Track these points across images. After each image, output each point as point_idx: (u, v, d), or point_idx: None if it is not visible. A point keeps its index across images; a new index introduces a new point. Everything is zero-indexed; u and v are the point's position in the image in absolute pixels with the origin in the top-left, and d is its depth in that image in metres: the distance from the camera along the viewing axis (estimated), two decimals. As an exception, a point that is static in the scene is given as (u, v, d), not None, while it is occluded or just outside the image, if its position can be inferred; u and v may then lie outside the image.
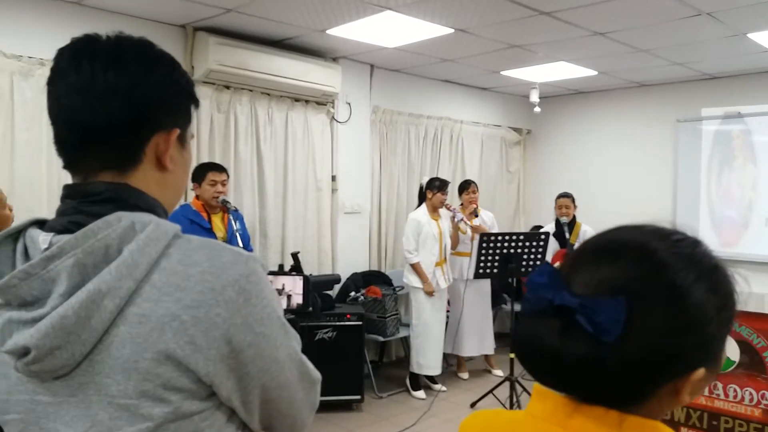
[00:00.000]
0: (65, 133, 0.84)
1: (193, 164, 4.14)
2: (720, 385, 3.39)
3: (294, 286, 2.83)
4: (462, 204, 5.40)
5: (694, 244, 0.70)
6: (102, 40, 0.85)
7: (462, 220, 4.98)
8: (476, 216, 5.28)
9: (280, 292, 2.80)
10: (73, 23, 3.77)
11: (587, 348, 0.64)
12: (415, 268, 4.83)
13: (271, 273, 3.03)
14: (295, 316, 2.80)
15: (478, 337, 5.37)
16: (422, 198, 5.04)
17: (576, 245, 5.11)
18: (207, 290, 0.77)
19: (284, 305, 2.83)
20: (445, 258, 5.00)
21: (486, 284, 5.36)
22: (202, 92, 4.37)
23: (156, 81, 0.85)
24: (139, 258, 0.77)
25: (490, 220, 5.49)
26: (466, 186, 5.41)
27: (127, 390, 0.75)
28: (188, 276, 0.77)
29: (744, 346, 3.31)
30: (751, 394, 3.29)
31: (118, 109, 0.82)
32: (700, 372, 0.68)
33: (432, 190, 4.92)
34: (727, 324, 0.70)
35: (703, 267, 0.68)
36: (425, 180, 5.07)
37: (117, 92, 0.82)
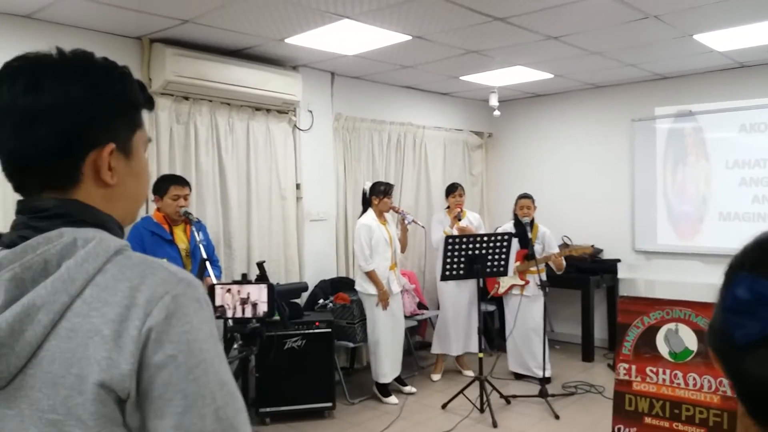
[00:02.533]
0: (2, 160, 0.85)
1: (154, 176, 4.10)
2: (680, 374, 3.50)
3: (259, 294, 2.83)
4: (449, 207, 5.47)
5: None
6: (25, 62, 0.84)
7: (412, 221, 5.01)
8: (460, 219, 5.33)
9: (245, 300, 2.79)
10: (24, 38, 3.70)
11: None
12: (371, 275, 4.78)
13: (235, 282, 3.01)
14: (262, 325, 2.80)
15: (464, 336, 5.42)
16: (366, 203, 5.00)
17: (536, 246, 5.20)
18: (130, 305, 0.77)
19: (249, 314, 2.82)
20: (396, 262, 5.01)
21: (472, 283, 5.37)
22: (161, 104, 4.33)
23: (80, 99, 0.83)
24: (75, 273, 0.77)
25: (476, 221, 5.57)
26: (452, 189, 5.48)
27: (56, 405, 0.75)
28: (116, 291, 0.78)
29: (701, 335, 3.43)
30: (709, 381, 3.40)
31: (44, 135, 0.81)
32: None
33: (378, 195, 4.90)
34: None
35: None
36: (368, 185, 5.04)
37: (37, 118, 0.81)
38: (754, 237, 0.63)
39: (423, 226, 5.33)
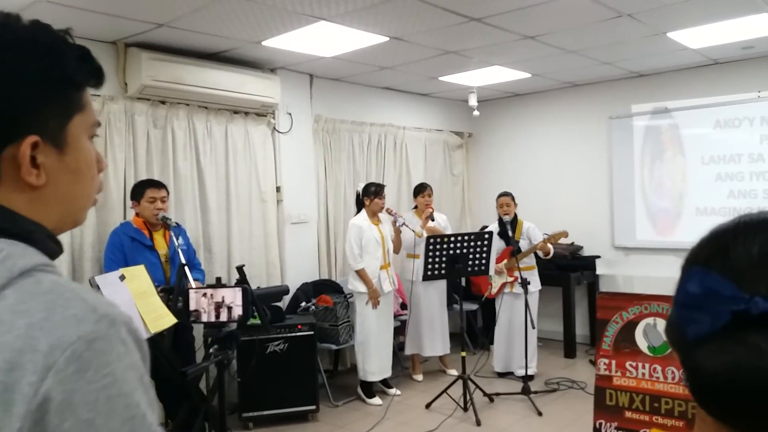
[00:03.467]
0: None
1: (132, 182, 4.07)
2: (659, 368, 3.54)
3: (234, 297, 2.82)
4: (416, 207, 5.46)
5: None
6: None
7: (403, 224, 5.03)
8: (433, 220, 5.35)
9: (219, 305, 2.78)
10: (-4, 43, 3.64)
11: None
12: (360, 274, 4.84)
13: (210, 286, 3.00)
14: (240, 329, 2.80)
15: (439, 338, 5.43)
16: (361, 205, 5.07)
17: (521, 242, 5.24)
18: (26, 348, 0.59)
19: (225, 318, 2.80)
20: (389, 262, 5.04)
21: (442, 284, 5.42)
22: (138, 108, 4.30)
23: None
24: None
25: (443, 221, 5.57)
26: (421, 189, 5.46)
27: None
28: (12, 328, 0.61)
29: (678, 329, 3.47)
30: (687, 374, 3.44)
31: None
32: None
33: (369, 196, 4.95)
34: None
35: None
36: (361, 186, 5.12)
37: None
38: (710, 230, 0.63)
39: (413, 230, 5.23)
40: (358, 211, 5.08)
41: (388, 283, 4.98)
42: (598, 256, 6.31)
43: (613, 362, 3.70)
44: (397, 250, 5.24)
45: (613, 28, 4.36)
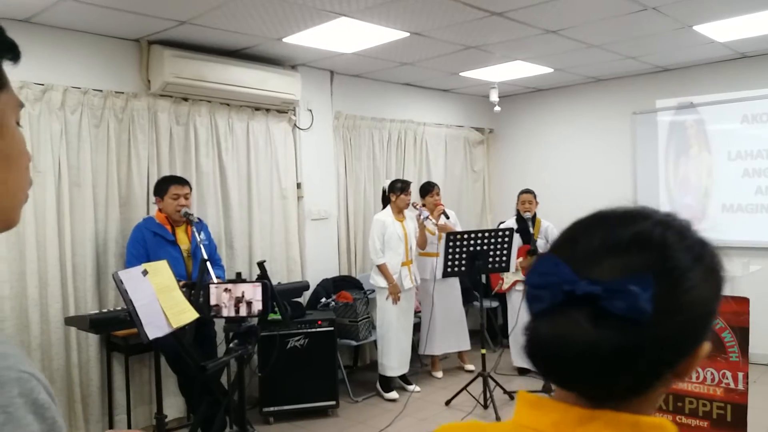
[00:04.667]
0: None
1: (155, 178, 4.11)
2: (683, 368, 3.48)
3: (254, 293, 2.84)
4: (425, 206, 5.43)
5: (682, 220, 0.72)
6: None
7: (427, 217, 5.03)
8: (447, 217, 5.33)
9: (239, 300, 2.80)
10: (23, 42, 3.68)
11: (622, 334, 0.60)
12: (381, 269, 4.87)
13: (230, 281, 3.03)
14: (261, 324, 2.82)
15: (453, 335, 5.41)
16: (386, 201, 5.08)
17: (539, 241, 5.19)
18: None
19: (245, 313, 2.83)
20: (412, 259, 5.04)
21: (455, 282, 5.40)
22: (160, 105, 4.34)
23: None
24: None
25: (453, 218, 5.54)
26: (429, 188, 5.41)
27: None
28: None
29: (703, 328, 3.41)
30: (712, 374, 3.39)
31: None
32: (706, 347, 0.68)
33: (395, 192, 4.97)
34: (721, 294, 0.70)
35: (695, 242, 0.69)
36: (387, 183, 5.13)
37: None
38: (570, 223, 0.73)
39: (435, 224, 5.19)
40: (384, 207, 5.09)
41: (408, 280, 4.98)
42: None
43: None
44: (422, 246, 5.22)
45: (637, 22, 4.28)
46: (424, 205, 5.36)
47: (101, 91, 4.06)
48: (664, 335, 0.63)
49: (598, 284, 0.62)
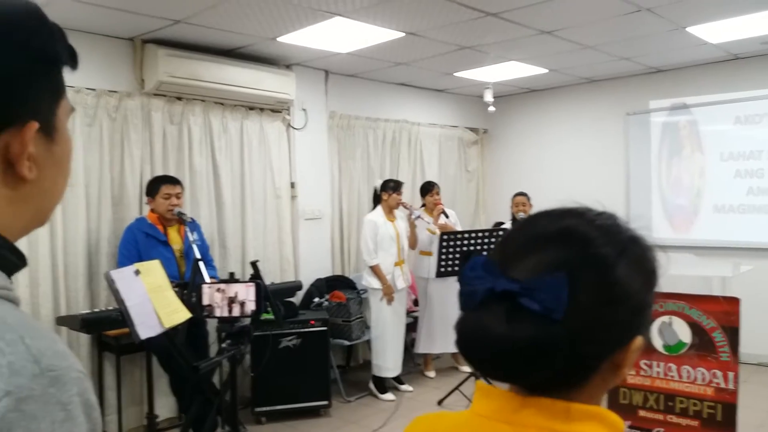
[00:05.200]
0: None
1: (148, 178, 4.10)
2: (674, 367, 3.51)
3: (247, 293, 2.84)
4: (425, 205, 5.44)
5: (611, 217, 0.74)
6: None
7: (419, 217, 5.03)
8: (446, 216, 5.33)
9: (232, 300, 2.79)
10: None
11: (536, 329, 0.63)
12: (375, 270, 4.86)
13: (223, 281, 3.03)
14: (253, 324, 2.82)
15: (451, 334, 5.40)
16: (377, 201, 5.07)
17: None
18: None
19: (237, 313, 2.82)
20: (404, 259, 5.04)
21: (454, 281, 5.40)
22: (154, 105, 4.33)
23: None
24: None
25: (453, 217, 5.55)
26: (429, 188, 5.42)
27: None
28: None
29: (695, 327, 3.44)
30: (703, 374, 3.41)
31: None
32: (639, 340, 0.70)
33: (387, 191, 4.96)
34: (654, 289, 0.73)
35: (623, 238, 0.71)
36: (379, 183, 5.12)
37: None
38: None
39: (428, 222, 5.22)
40: (374, 207, 5.08)
41: (401, 280, 4.98)
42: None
43: (628, 361, 3.67)
44: (413, 246, 5.23)
45: (631, 23, 4.30)
46: (424, 206, 5.36)
47: (94, 90, 4.04)
48: (584, 328, 0.65)
49: (516, 282, 0.65)
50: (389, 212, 4.99)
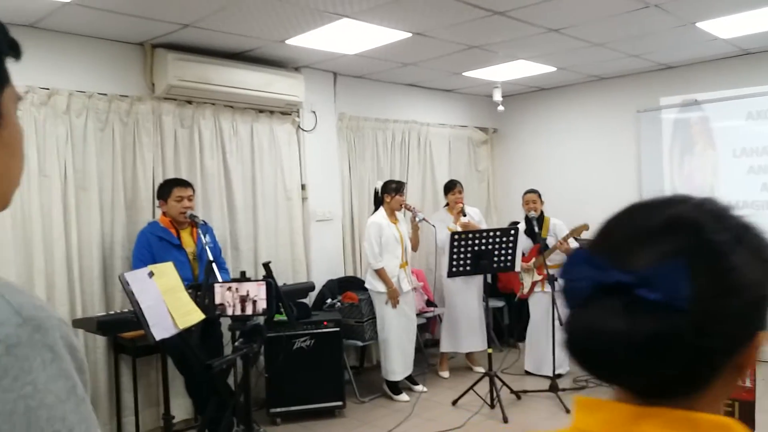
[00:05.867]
0: None
1: (160, 181, 4.13)
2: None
3: (258, 291, 2.86)
4: (448, 204, 5.45)
5: (718, 203, 0.70)
6: None
7: (423, 219, 5.03)
8: (464, 215, 5.33)
9: (244, 298, 2.81)
10: (29, 46, 3.72)
11: (658, 321, 0.59)
12: (380, 273, 4.81)
13: (234, 280, 3.05)
14: (267, 324, 2.84)
15: (477, 333, 5.39)
16: (378, 202, 5.04)
17: (548, 239, 5.17)
18: None
19: (249, 311, 2.84)
20: (407, 261, 5.02)
21: (479, 280, 5.37)
22: (165, 108, 4.36)
23: None
24: None
25: (477, 215, 5.55)
26: (451, 186, 5.46)
27: None
28: None
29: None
30: None
31: None
32: (762, 336, 0.64)
33: (389, 193, 4.93)
34: None
35: (736, 224, 0.67)
36: (379, 184, 5.09)
37: None
38: (605, 220, 0.73)
39: (433, 225, 5.27)
40: (376, 209, 5.05)
41: (406, 282, 4.96)
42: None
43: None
44: (415, 248, 5.21)
45: (640, 19, 4.28)
46: (447, 204, 5.35)
47: (106, 94, 4.09)
48: (706, 321, 0.60)
49: (631, 273, 0.61)
50: (391, 214, 4.96)
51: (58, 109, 3.86)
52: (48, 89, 3.83)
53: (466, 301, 5.36)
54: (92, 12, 3.59)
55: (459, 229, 5.14)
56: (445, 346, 5.48)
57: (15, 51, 0.70)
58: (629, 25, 4.44)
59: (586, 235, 5.33)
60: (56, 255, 3.82)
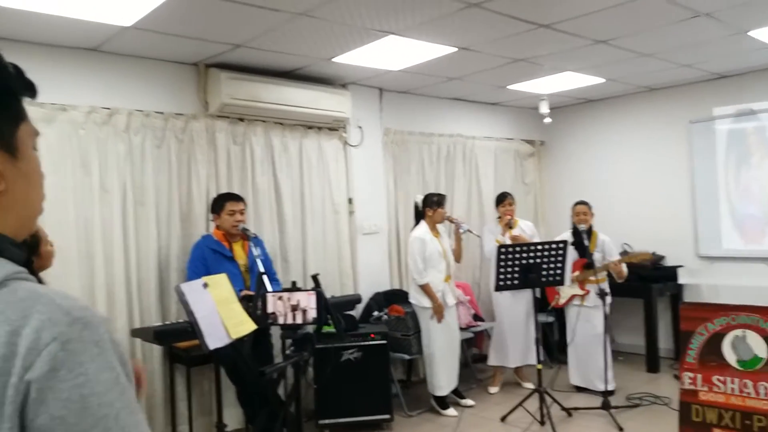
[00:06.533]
0: None
1: (212, 195, 4.27)
2: (750, 383, 3.36)
3: (308, 301, 2.92)
4: (500, 216, 5.44)
5: None
6: None
7: (468, 230, 5.01)
8: (511, 228, 5.31)
9: (295, 308, 2.88)
10: (92, 69, 3.96)
11: None
12: (425, 289, 4.79)
13: (285, 290, 3.13)
14: (316, 334, 2.91)
15: (522, 348, 5.34)
16: (419, 216, 5.02)
17: (595, 254, 5.08)
18: (9, 355, 0.64)
19: (300, 320, 2.90)
20: (450, 274, 4.99)
21: (529, 294, 5.32)
22: (218, 126, 4.52)
23: None
24: None
25: (530, 229, 5.51)
26: (502, 198, 5.46)
27: None
28: None
29: (771, 341, 3.29)
30: (765, 388, 3.25)
31: None
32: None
33: (431, 206, 4.91)
34: None
35: None
36: (420, 198, 5.06)
37: None
38: None
39: (478, 236, 5.29)
40: (416, 223, 5.03)
41: (451, 296, 4.93)
42: (681, 266, 6.03)
43: (699, 376, 3.53)
44: (458, 259, 5.19)
45: (690, 29, 4.20)
46: (498, 217, 5.36)
47: (162, 113, 4.26)
48: None
49: None
50: (433, 227, 4.93)
51: (118, 128, 4.05)
52: (109, 109, 4.02)
53: (514, 315, 5.31)
54: (150, 35, 3.77)
55: (507, 241, 5.11)
56: (492, 360, 5.44)
57: (31, 91, 0.79)
58: (679, 35, 4.36)
59: (642, 248, 5.20)
60: (116, 267, 3.98)
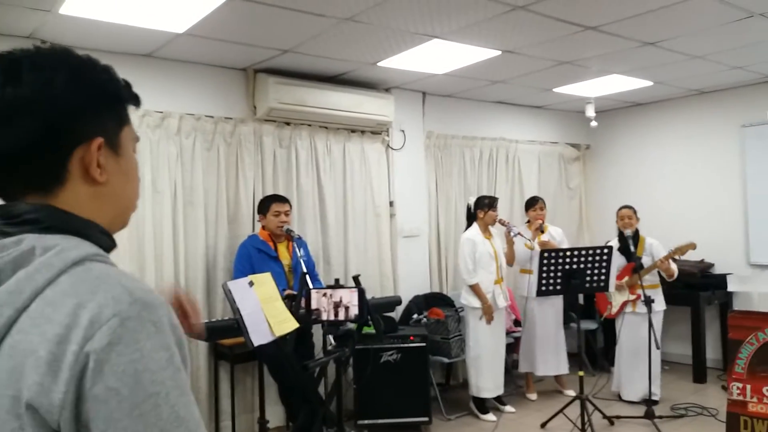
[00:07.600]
0: None
1: (260, 197, 4.39)
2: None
3: (351, 298, 2.99)
4: (529, 221, 5.40)
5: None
6: (1, 56, 0.80)
7: (518, 233, 4.98)
8: (542, 232, 5.26)
9: (338, 304, 2.94)
10: (146, 74, 4.12)
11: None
12: (474, 289, 4.81)
13: (329, 287, 3.20)
14: (356, 333, 2.97)
15: (553, 357, 5.30)
16: (471, 218, 5.05)
17: (643, 259, 4.96)
18: (72, 324, 0.69)
19: (342, 316, 2.97)
20: (502, 276, 4.99)
21: (558, 301, 5.28)
22: (265, 130, 4.64)
23: (61, 90, 0.78)
24: (24, 285, 0.72)
25: (559, 235, 5.45)
26: (533, 203, 5.41)
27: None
28: (62, 307, 0.70)
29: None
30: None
31: (26, 130, 0.77)
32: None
33: (483, 208, 4.93)
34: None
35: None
36: (472, 200, 5.10)
37: (18, 111, 0.76)
38: None
39: (528, 239, 5.21)
40: (469, 224, 5.07)
41: (502, 299, 4.93)
42: (730, 274, 5.84)
43: (748, 387, 3.43)
44: (510, 262, 5.17)
45: (743, 30, 4.09)
46: (528, 221, 5.32)
47: (212, 117, 4.40)
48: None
49: None
50: (485, 230, 4.96)
51: (170, 131, 4.20)
52: (161, 112, 4.17)
53: (543, 322, 5.25)
54: (201, 41, 3.90)
55: (536, 245, 5.07)
56: (522, 366, 5.40)
57: (135, 100, 0.90)
58: (731, 36, 4.25)
59: (692, 257, 5.03)
60: (165, 267, 4.13)
